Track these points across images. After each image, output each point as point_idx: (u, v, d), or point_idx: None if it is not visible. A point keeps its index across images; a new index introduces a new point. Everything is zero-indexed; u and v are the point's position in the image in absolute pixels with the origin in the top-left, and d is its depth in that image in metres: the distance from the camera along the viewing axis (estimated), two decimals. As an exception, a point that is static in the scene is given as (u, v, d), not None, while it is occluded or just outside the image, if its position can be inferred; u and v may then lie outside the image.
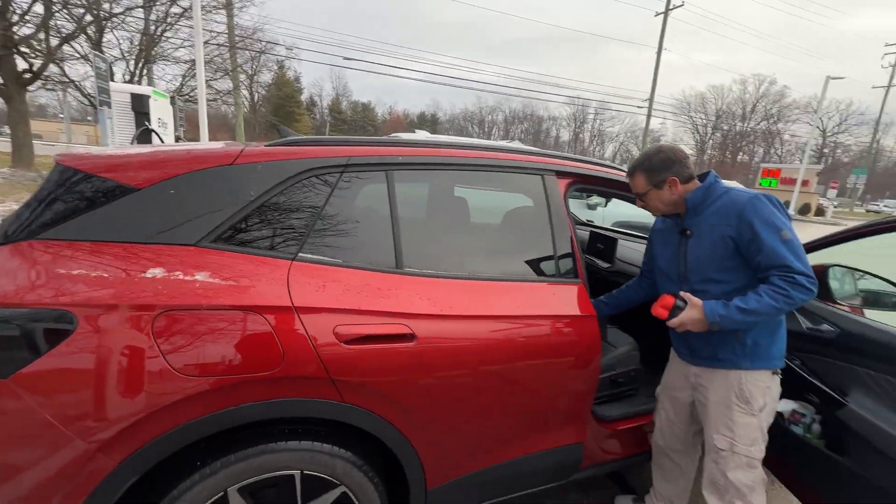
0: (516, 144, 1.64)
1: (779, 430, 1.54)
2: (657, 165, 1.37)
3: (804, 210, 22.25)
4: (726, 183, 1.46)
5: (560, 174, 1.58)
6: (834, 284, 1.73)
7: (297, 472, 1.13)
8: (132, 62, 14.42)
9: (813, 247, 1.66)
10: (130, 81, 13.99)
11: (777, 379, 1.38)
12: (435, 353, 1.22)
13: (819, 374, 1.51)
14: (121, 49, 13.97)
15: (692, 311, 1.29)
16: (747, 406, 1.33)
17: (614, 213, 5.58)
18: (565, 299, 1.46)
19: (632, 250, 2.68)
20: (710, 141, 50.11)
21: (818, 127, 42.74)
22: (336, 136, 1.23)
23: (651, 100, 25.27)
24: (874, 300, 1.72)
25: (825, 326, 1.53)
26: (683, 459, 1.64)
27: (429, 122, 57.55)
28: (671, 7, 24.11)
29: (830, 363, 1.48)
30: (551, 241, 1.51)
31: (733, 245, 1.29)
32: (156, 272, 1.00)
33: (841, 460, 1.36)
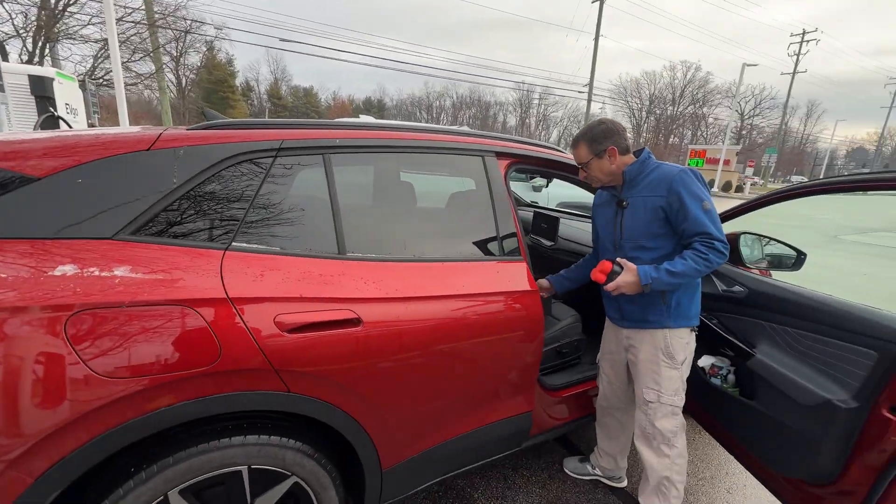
0: (465, 130, 1.65)
1: (700, 383, 1.72)
2: (598, 135, 1.48)
3: (726, 187, 24.38)
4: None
5: (500, 155, 1.62)
6: (745, 250, 1.93)
7: (244, 468, 1.10)
8: (29, 40, 12.71)
9: (726, 216, 1.83)
10: (30, 62, 12.35)
11: (694, 335, 1.54)
12: (383, 337, 1.22)
13: (732, 331, 1.68)
14: (14, 25, 12.24)
15: (627, 275, 1.41)
16: (671, 361, 1.50)
17: (559, 194, 5.79)
18: (509, 277, 1.51)
19: (574, 229, 2.81)
20: (645, 125, 53.16)
21: (737, 111, 46.73)
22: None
23: (591, 85, 26.28)
24: (777, 262, 1.94)
25: (737, 288, 1.70)
26: (624, 416, 1.81)
27: (375, 107, 56.10)
28: (606, -6, 25.02)
29: (742, 320, 1.65)
30: (494, 221, 1.55)
31: (663, 214, 1.43)
32: (67, 269, 0.91)
33: (751, 404, 1.54)
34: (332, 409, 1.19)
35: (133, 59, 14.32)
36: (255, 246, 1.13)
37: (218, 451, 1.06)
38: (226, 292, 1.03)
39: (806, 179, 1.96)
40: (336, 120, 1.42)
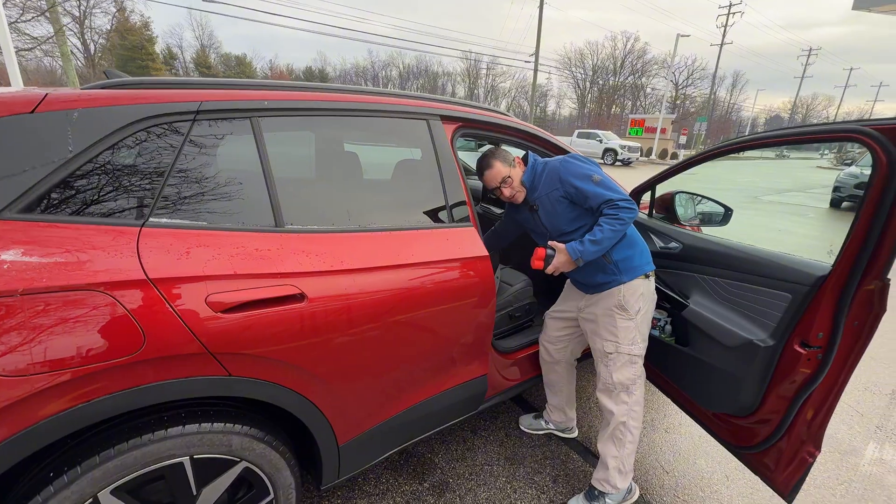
0: (409, 93, 1.57)
1: (641, 335, 1.82)
2: (499, 153, 1.64)
3: (663, 154, 25.82)
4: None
5: (445, 119, 1.56)
6: (679, 209, 2.04)
7: (185, 459, 1.03)
8: None
9: (662, 177, 1.91)
10: None
11: (650, 281, 1.61)
12: (330, 311, 1.17)
13: (669, 284, 1.79)
14: None
15: (560, 256, 1.53)
16: (625, 313, 1.57)
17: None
18: (460, 243, 1.49)
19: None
20: (589, 95, 54.55)
21: (672, 81, 49.06)
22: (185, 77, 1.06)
23: (536, 55, 26.32)
24: (708, 219, 2.07)
25: (672, 244, 1.81)
26: (566, 370, 1.93)
27: (317, 77, 52.97)
28: (549, -40, 24.76)
29: (677, 273, 1.76)
30: (442, 187, 1.51)
31: (568, 201, 1.56)
32: (-63, 256, 0.77)
33: (685, 350, 1.67)
34: (280, 388, 1.14)
35: (23, 18, 12.38)
36: (178, 221, 1.02)
37: (153, 444, 0.98)
38: (145, 273, 0.92)
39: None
40: (266, 80, 1.29)
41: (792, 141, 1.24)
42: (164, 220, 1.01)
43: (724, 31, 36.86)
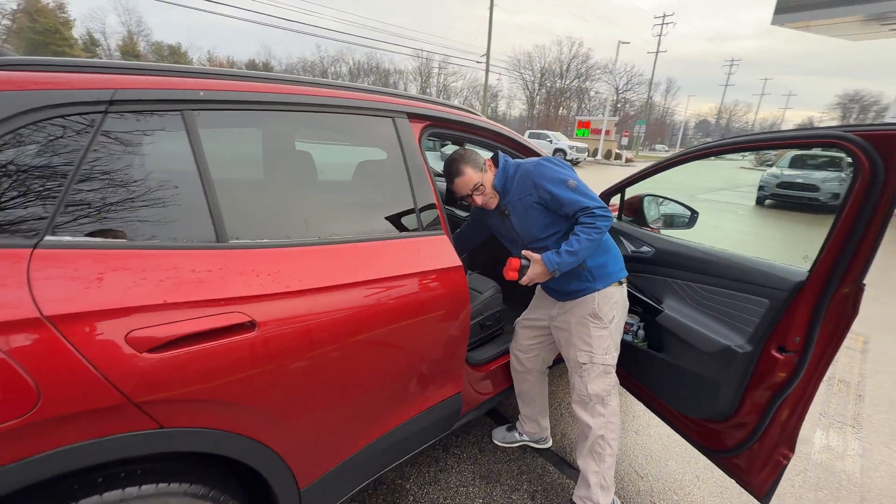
0: (373, 87, 1.41)
1: (616, 341, 1.79)
2: (470, 157, 1.51)
3: (608, 155, 27.13)
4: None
5: (413, 117, 1.43)
6: (647, 212, 2.04)
7: (102, 535, 0.82)
8: None
9: (632, 180, 1.89)
10: None
11: (623, 288, 1.57)
12: (286, 340, 1.00)
13: (641, 289, 1.77)
14: None
15: (535, 267, 1.44)
16: (599, 321, 1.52)
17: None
18: (432, 253, 1.36)
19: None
20: (538, 96, 56.23)
21: (613, 85, 51.81)
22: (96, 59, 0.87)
23: (488, 56, 26.67)
24: (671, 222, 2.09)
25: (644, 248, 1.79)
26: (538, 379, 1.86)
27: (261, 71, 50.31)
28: (498, -37, 25.15)
29: (650, 278, 1.75)
30: (410, 191, 1.37)
31: (542, 207, 1.47)
32: None
33: (659, 355, 1.65)
34: (227, 435, 0.95)
35: None
36: (85, 239, 0.81)
37: (55, 526, 0.76)
38: (38, 309, 0.71)
39: (667, 148, 2.09)
40: (202, 67, 1.08)
41: (774, 146, 1.23)
42: (66, 239, 0.79)
43: (659, 40, 39.43)
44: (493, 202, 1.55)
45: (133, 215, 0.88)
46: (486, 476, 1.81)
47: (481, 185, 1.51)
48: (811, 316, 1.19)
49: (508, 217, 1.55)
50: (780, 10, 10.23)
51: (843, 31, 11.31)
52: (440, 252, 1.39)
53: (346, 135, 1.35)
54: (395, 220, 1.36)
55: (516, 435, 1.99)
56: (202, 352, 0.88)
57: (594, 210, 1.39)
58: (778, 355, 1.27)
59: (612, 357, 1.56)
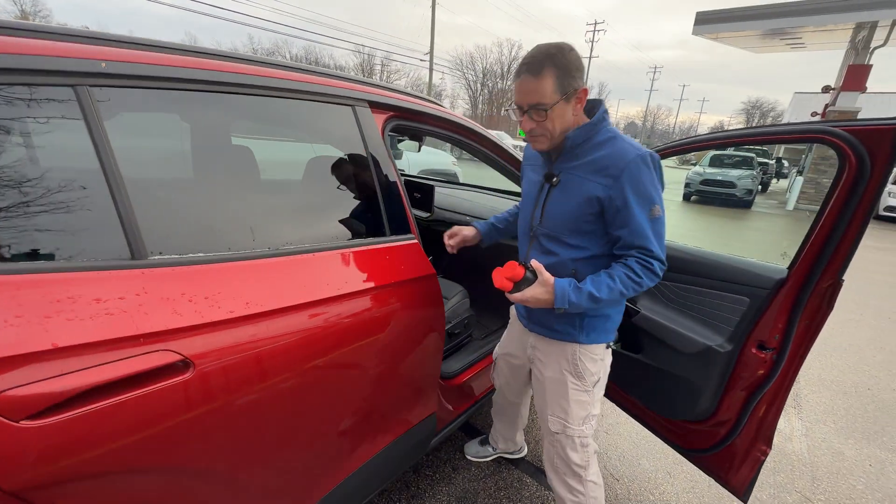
0: (329, 71, 1.21)
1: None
2: (573, 66, 0.99)
3: (549, 155, 28.22)
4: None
5: (376, 106, 1.25)
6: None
7: None
8: None
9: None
10: None
11: (610, 351, 1.28)
12: (231, 378, 0.80)
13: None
14: None
15: (539, 290, 1.07)
16: (581, 382, 1.23)
17: (420, 161, 5.59)
18: (401, 261, 1.20)
19: (452, 197, 2.63)
20: (480, 97, 57.21)
21: (552, 87, 54.00)
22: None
23: (431, 54, 26.58)
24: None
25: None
26: (523, 408, 1.73)
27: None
28: (439, -38, 25.14)
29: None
30: (376, 190, 1.20)
31: (598, 207, 1.06)
32: None
33: (636, 357, 1.61)
34: (155, 510, 0.73)
35: None
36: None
37: None
38: None
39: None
40: (105, 32, 0.83)
41: (762, 140, 1.22)
42: None
43: (592, 45, 41.73)
44: (544, 144, 1.09)
45: (8, 225, 0.64)
46: (463, 497, 1.68)
47: (552, 110, 1.01)
48: (790, 313, 1.19)
49: (551, 189, 1.13)
50: (699, 22, 11.18)
51: (747, 44, 12.57)
52: (411, 259, 1.23)
53: (299, 124, 1.15)
54: (359, 224, 1.18)
55: (490, 449, 1.88)
56: (113, 409, 0.65)
57: (654, 261, 1.04)
58: (758, 353, 1.26)
59: (591, 426, 1.27)
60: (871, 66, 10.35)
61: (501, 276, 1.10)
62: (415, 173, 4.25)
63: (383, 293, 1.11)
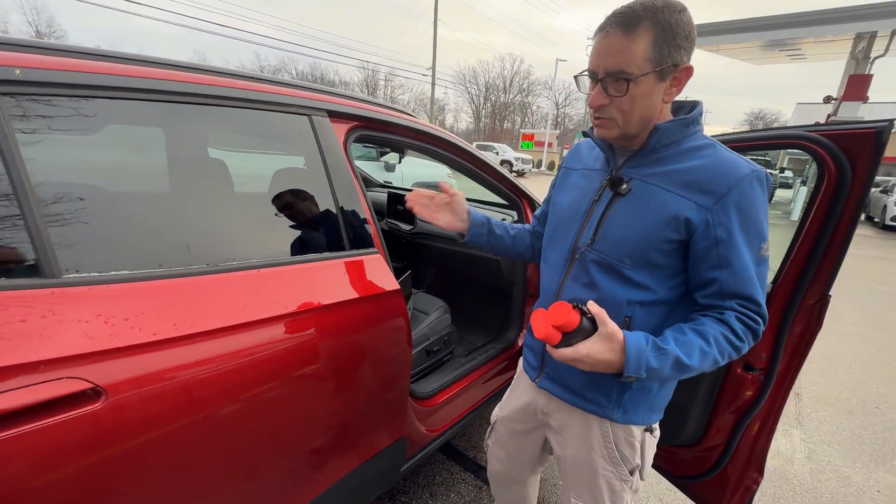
0: (283, 79, 1.16)
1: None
2: (684, 31, 0.73)
3: (551, 166, 28.29)
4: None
5: (336, 116, 1.20)
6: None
7: None
8: None
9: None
10: None
11: (656, 435, 0.96)
12: (150, 409, 0.73)
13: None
14: None
15: (600, 348, 0.72)
16: (616, 470, 0.93)
17: (414, 173, 5.57)
18: (360, 276, 1.14)
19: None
20: (483, 110, 57.80)
21: (554, 101, 54.55)
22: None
23: (433, 69, 26.95)
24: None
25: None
26: (528, 489, 1.29)
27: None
28: (440, -20, 25.65)
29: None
30: (334, 202, 1.14)
31: (685, 235, 0.77)
32: None
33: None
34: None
35: None
36: None
37: None
38: None
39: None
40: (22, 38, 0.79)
41: (739, 147, 1.15)
42: None
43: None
44: (613, 131, 0.81)
45: None
46: (439, 526, 1.59)
47: (636, 85, 0.74)
48: (777, 331, 1.11)
49: (618, 198, 0.83)
50: (697, 34, 11.25)
51: (748, 55, 12.62)
52: (372, 274, 1.17)
53: (248, 135, 1.10)
54: (314, 238, 1.12)
55: None
56: (4, 444, 0.59)
57: (760, 318, 0.78)
58: (745, 374, 1.18)
59: None
60: (872, 75, 10.33)
61: (546, 324, 0.73)
62: (409, 185, 4.21)
63: (337, 310, 1.05)
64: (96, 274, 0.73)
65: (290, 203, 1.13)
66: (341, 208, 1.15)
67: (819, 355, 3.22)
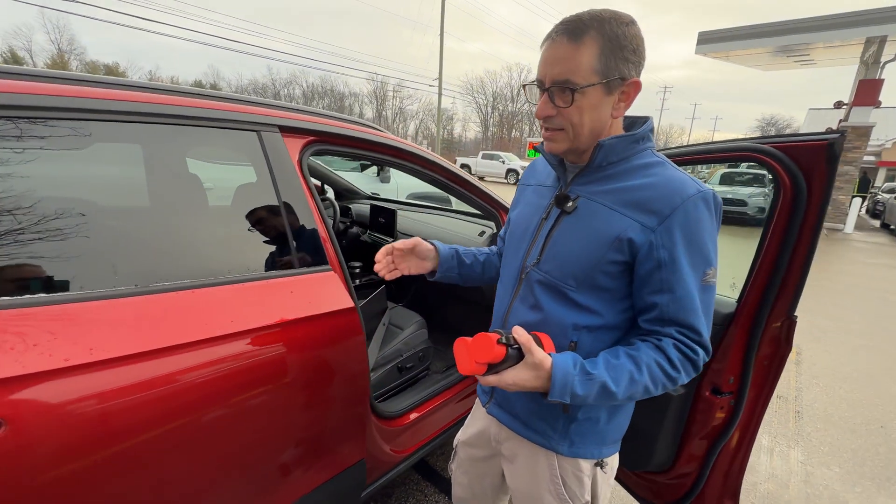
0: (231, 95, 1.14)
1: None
2: (631, 44, 0.70)
3: (558, 175, 28.20)
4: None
5: (288, 131, 1.19)
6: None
7: None
8: None
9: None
10: None
11: (608, 470, 0.90)
12: (62, 438, 0.70)
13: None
14: None
15: (525, 375, 0.71)
16: None
17: (411, 184, 5.57)
18: (309, 295, 1.11)
19: (421, 223, 2.54)
20: (491, 119, 58.09)
21: (561, 109, 54.53)
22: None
23: (440, 80, 27.21)
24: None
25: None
26: None
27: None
28: (447, -8, 26.02)
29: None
30: (283, 220, 1.12)
31: (629, 256, 0.73)
32: None
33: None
34: None
35: None
36: None
37: None
38: None
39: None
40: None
41: (692, 161, 1.11)
42: None
43: (600, 67, 42.10)
44: (562, 144, 0.77)
45: None
46: (407, 551, 1.53)
47: (582, 96, 0.71)
48: (744, 353, 1.05)
49: (563, 216, 0.80)
50: (701, 42, 11.17)
51: (756, 62, 12.49)
52: (323, 292, 1.14)
53: (192, 153, 1.09)
54: (261, 256, 1.10)
55: None
56: None
57: (699, 348, 0.73)
58: (713, 397, 1.12)
59: None
60: (883, 80, 10.13)
61: (470, 360, 0.72)
62: (404, 198, 4.21)
63: (280, 330, 1.01)
64: (7, 298, 0.72)
65: (246, 219, 1.10)
66: (290, 226, 1.12)
67: (823, 370, 3.10)
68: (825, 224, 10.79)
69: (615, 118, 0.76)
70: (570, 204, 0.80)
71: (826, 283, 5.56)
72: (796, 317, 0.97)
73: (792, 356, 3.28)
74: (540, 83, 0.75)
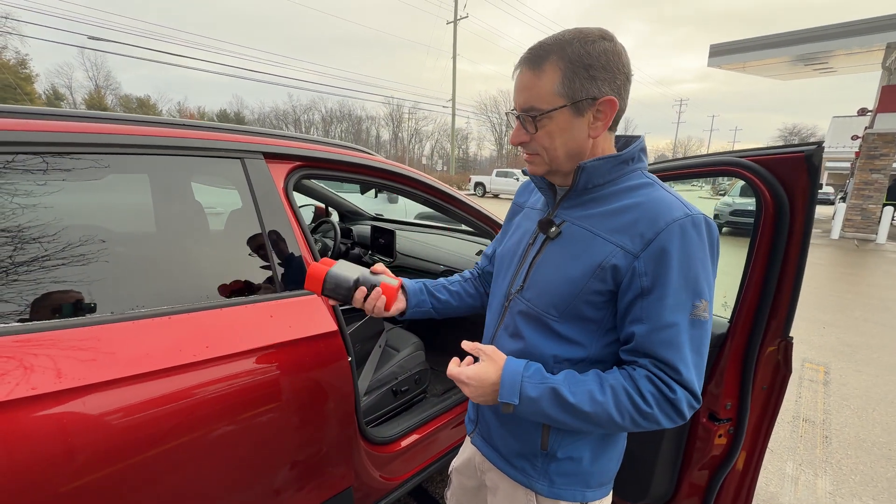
0: (216, 125, 1.18)
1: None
2: (597, 62, 0.67)
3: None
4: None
5: (273, 157, 1.21)
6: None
7: None
8: None
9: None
10: None
11: None
12: (25, 465, 0.71)
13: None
14: None
15: (486, 368, 0.72)
16: None
17: (416, 206, 5.61)
18: (289, 319, 1.10)
19: (421, 244, 2.55)
20: (506, 137, 58.54)
21: (576, 125, 54.66)
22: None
23: (453, 101, 27.75)
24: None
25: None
26: None
27: (233, 120, 50.78)
28: (459, 18, 26.78)
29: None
30: (266, 246, 1.13)
31: (613, 285, 0.69)
32: None
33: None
34: None
35: None
36: None
37: None
38: None
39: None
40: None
41: (672, 177, 1.07)
42: None
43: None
44: (539, 168, 0.77)
45: None
46: (400, 585, 1.47)
47: (549, 121, 0.71)
48: (740, 378, 0.99)
49: (551, 240, 0.77)
50: (713, 54, 11.09)
51: (773, 72, 12.29)
52: (303, 317, 1.13)
53: (179, 182, 1.12)
54: (241, 282, 1.11)
55: None
56: None
57: (678, 387, 0.66)
58: (710, 424, 1.05)
59: None
60: (908, 85, 9.80)
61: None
62: (412, 219, 4.24)
63: (262, 355, 1.01)
64: (-17, 327, 0.74)
65: (231, 244, 1.12)
66: (273, 249, 1.13)
67: (854, 391, 2.90)
68: (856, 236, 10.33)
69: (594, 138, 0.73)
70: (553, 229, 0.77)
71: (858, 296, 5.28)
72: (792, 338, 0.91)
73: (819, 376, 3.09)
74: (513, 111, 0.76)
